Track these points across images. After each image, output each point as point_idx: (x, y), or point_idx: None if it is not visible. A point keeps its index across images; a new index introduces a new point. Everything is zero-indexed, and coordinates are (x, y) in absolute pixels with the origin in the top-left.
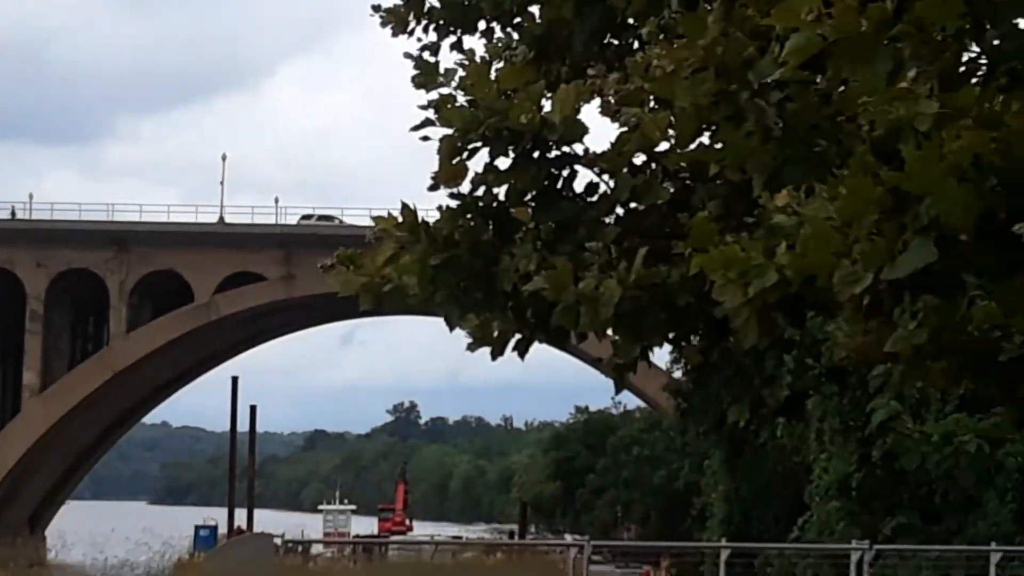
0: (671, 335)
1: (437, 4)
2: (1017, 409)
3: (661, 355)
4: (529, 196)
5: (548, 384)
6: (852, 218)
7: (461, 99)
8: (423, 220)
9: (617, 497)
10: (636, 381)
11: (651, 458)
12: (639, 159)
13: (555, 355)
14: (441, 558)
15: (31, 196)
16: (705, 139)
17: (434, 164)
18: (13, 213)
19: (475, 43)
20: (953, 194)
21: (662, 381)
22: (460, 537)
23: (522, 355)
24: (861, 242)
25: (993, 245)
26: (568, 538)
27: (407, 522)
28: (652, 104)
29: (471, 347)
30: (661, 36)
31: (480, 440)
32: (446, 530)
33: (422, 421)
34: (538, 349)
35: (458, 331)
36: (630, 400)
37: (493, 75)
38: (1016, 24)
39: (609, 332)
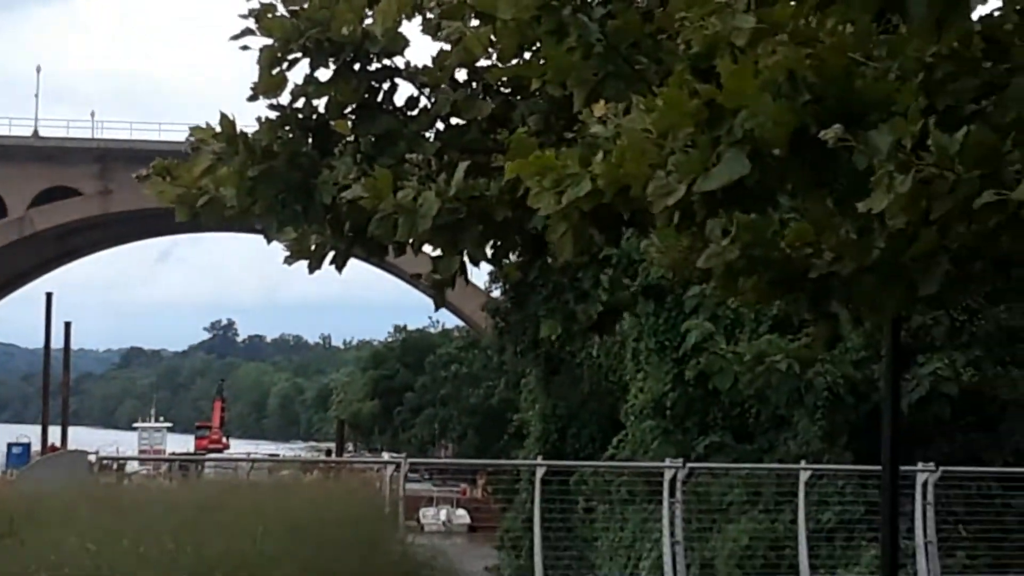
0: (490, 251)
1: None
2: (826, 327)
3: (480, 275)
4: (349, 109)
5: (368, 303)
6: (667, 130)
7: (282, 9)
8: (241, 131)
9: (435, 415)
10: (455, 300)
11: (469, 377)
12: (461, 74)
13: (375, 274)
14: (258, 476)
15: None
16: (528, 55)
17: (255, 75)
18: None
19: None
20: (767, 109)
21: (481, 301)
22: (277, 455)
23: (339, 268)
24: (676, 154)
25: (806, 161)
26: (385, 456)
27: (224, 440)
28: (474, 19)
29: (288, 260)
30: None
31: (298, 358)
32: (263, 448)
33: (240, 339)
34: (358, 268)
35: (276, 249)
36: (449, 319)
37: None
38: None
39: (428, 248)
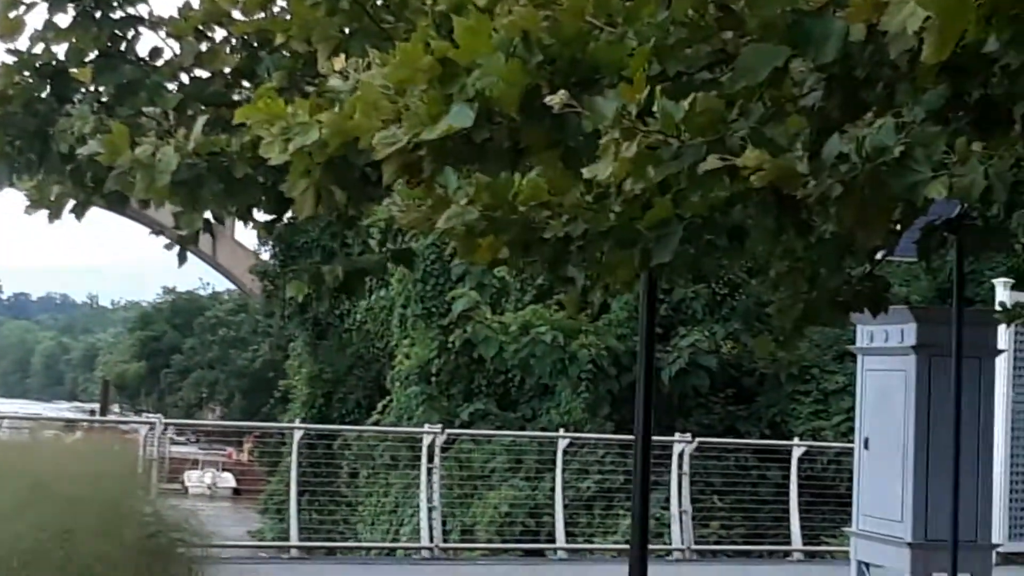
0: (233, 207)
1: None
2: (573, 292)
3: (249, 236)
4: (91, 57)
5: (136, 264)
6: (402, 85)
7: None
8: None
9: (202, 378)
10: (226, 262)
11: (237, 340)
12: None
13: (143, 234)
14: (18, 435)
15: None
16: (276, 8)
17: None
18: None
19: None
20: (499, 68)
21: (251, 262)
22: (39, 414)
23: (79, 218)
24: (410, 110)
25: (539, 121)
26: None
27: None
28: None
29: (28, 210)
30: None
31: (65, 317)
32: (27, 407)
33: (4, 297)
34: (123, 225)
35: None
36: (220, 282)
37: None
38: None
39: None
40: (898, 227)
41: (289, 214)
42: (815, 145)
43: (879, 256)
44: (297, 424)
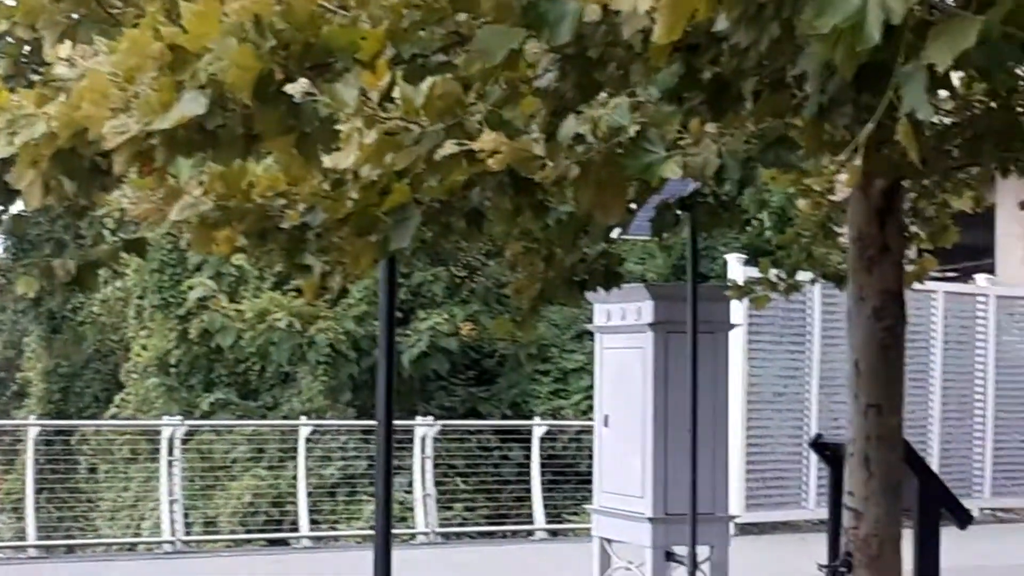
0: None
1: None
2: (310, 280)
3: None
4: None
5: None
6: (131, 73)
7: None
8: None
9: None
10: None
11: None
12: None
13: None
14: None
15: None
16: None
17: None
18: None
19: None
20: (231, 54)
21: None
22: None
23: None
24: (140, 98)
25: (274, 107)
26: None
27: None
28: None
29: None
30: None
31: None
32: None
33: None
34: None
35: None
36: None
37: None
38: None
39: None
40: (633, 206)
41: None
42: (551, 127)
43: (614, 235)
44: (32, 421)
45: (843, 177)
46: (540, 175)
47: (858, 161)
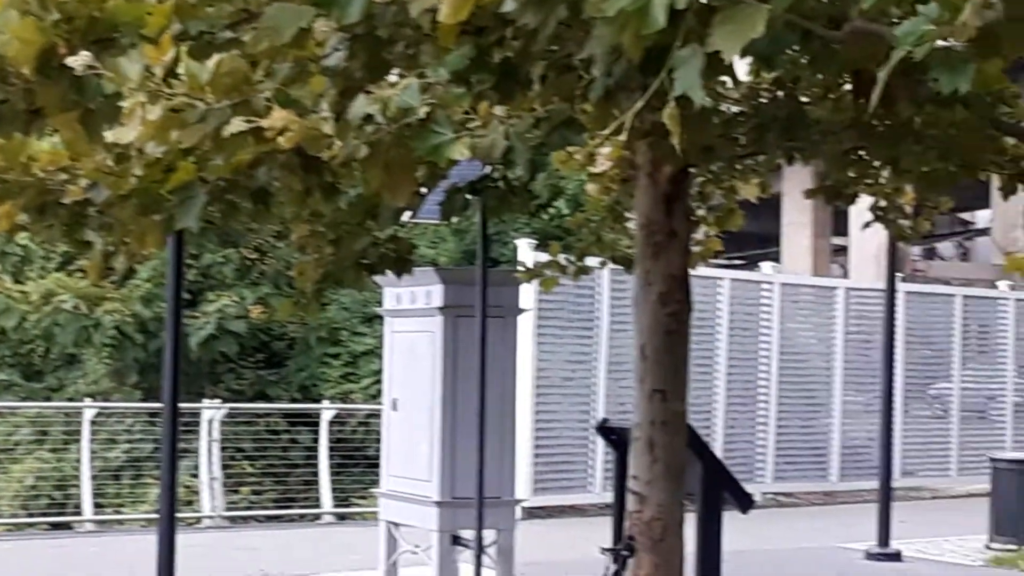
0: None
1: None
2: (93, 257)
3: None
4: None
5: None
6: None
7: None
8: None
9: None
10: None
11: None
12: None
13: None
14: None
15: None
16: None
17: None
18: None
19: None
20: (14, 27)
21: None
22: None
23: None
24: None
25: (57, 82)
26: None
27: None
28: None
29: None
30: None
31: None
32: None
33: None
34: None
35: None
36: None
37: None
38: None
39: None
40: (424, 190)
41: None
42: (340, 106)
43: (405, 218)
44: None
45: (606, 150)
46: (329, 155)
47: (623, 136)
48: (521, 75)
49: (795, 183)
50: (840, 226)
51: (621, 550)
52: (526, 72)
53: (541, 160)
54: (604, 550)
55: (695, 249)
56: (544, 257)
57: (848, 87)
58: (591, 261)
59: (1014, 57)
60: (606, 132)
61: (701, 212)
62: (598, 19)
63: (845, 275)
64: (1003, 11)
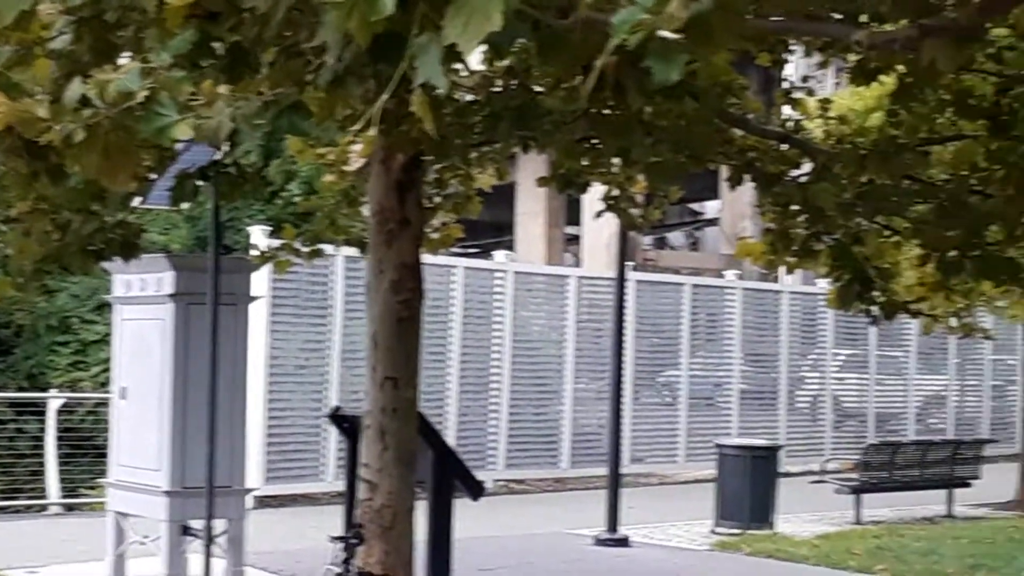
0: None
1: None
2: None
3: None
4: None
5: None
6: None
7: None
8: None
9: None
10: None
11: None
12: None
13: None
14: None
15: None
16: None
17: None
18: None
19: None
20: None
21: None
22: None
23: None
24: None
25: None
26: None
27: None
28: None
29: None
30: None
31: None
32: None
33: None
34: None
35: None
36: None
37: None
38: None
39: None
40: (154, 175)
41: None
42: (59, 89)
43: (134, 203)
44: None
45: (357, 148)
46: (45, 138)
47: (373, 131)
48: (251, 60)
49: (529, 172)
50: (574, 215)
51: (350, 538)
52: (255, 57)
53: (275, 146)
54: (333, 538)
55: (434, 235)
56: (278, 242)
57: (580, 77)
58: (326, 246)
59: (726, 47)
60: (356, 127)
61: (438, 199)
62: (328, 5)
63: (578, 264)
64: (712, 1)
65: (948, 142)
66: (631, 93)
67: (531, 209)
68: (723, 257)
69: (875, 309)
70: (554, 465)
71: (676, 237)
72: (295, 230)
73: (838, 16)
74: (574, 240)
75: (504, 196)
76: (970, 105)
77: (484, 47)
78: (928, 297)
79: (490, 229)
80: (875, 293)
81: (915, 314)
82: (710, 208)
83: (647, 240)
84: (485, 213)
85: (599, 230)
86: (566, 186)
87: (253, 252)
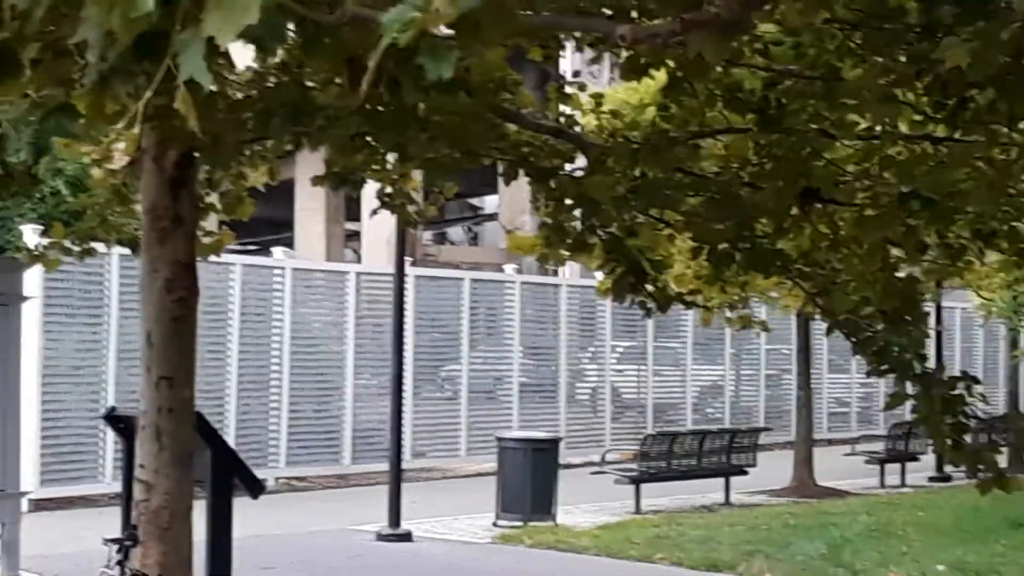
0: None
1: None
2: None
3: None
4: None
5: None
6: None
7: None
8: None
9: None
10: None
11: None
12: None
13: None
14: None
15: None
16: None
17: None
18: None
19: None
20: None
21: None
22: None
23: None
24: None
25: None
26: None
27: None
28: None
29: None
30: None
31: None
32: None
33: None
34: None
35: None
36: None
37: None
38: None
39: None
40: None
41: None
42: None
43: None
44: None
45: (122, 146)
46: None
47: (136, 129)
48: (12, 60)
49: (308, 169)
50: (354, 211)
51: (124, 540)
52: (18, 56)
53: (44, 144)
54: (107, 540)
55: (206, 241)
56: (47, 241)
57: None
58: (99, 245)
59: (497, 43)
60: (119, 126)
61: (211, 200)
62: (88, 1)
63: (359, 260)
64: None
65: (719, 135)
66: (406, 89)
67: (310, 206)
68: (502, 251)
69: (649, 301)
70: (336, 462)
71: (456, 232)
72: (64, 228)
73: (609, 12)
74: (354, 236)
75: (283, 193)
76: (739, 99)
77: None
78: (702, 289)
79: (269, 226)
80: (648, 285)
81: (689, 305)
82: (489, 203)
83: (427, 236)
84: (264, 210)
85: (379, 226)
86: (341, 184)
87: (23, 251)
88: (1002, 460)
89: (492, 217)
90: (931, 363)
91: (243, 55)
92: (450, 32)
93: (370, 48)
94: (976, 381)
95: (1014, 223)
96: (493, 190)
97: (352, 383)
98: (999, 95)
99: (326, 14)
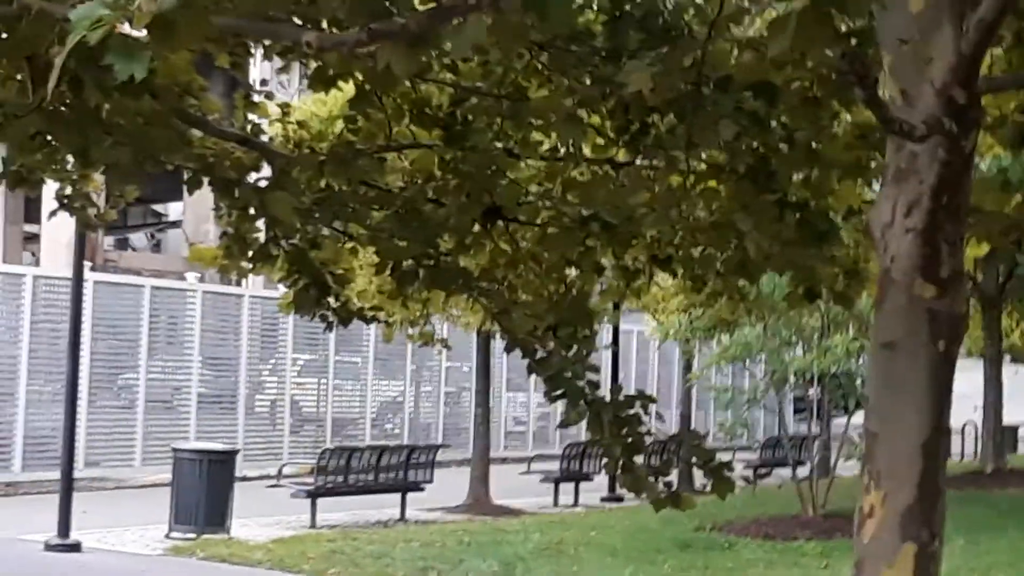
0: None
1: None
2: None
3: None
4: None
5: None
6: None
7: None
8: None
9: None
10: None
11: None
12: None
13: None
14: None
15: None
16: None
17: None
18: None
19: None
20: None
21: None
22: None
23: None
24: None
25: None
26: None
27: None
28: None
29: None
30: None
31: None
32: None
33: None
34: None
35: None
36: None
37: None
38: None
39: None
40: None
41: None
42: None
43: None
44: None
45: None
46: None
47: None
48: None
49: None
50: (34, 213)
51: None
52: None
53: None
54: None
55: None
56: None
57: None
58: None
59: (189, 46)
60: None
61: None
62: None
63: (39, 263)
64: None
65: (405, 150)
66: (89, 89)
67: None
68: (185, 260)
69: (330, 315)
70: (6, 469)
71: (139, 238)
72: None
73: (299, 21)
74: (34, 238)
75: None
76: (426, 114)
77: None
78: (384, 305)
79: None
80: (331, 299)
81: (371, 320)
82: (173, 210)
83: (109, 241)
84: None
85: (60, 229)
86: (18, 183)
87: None
88: (675, 479)
89: (176, 224)
90: (607, 385)
91: None
92: (141, 33)
93: (51, 44)
94: (652, 400)
95: (691, 249)
96: (178, 197)
97: (25, 388)
98: (679, 120)
99: (4, 5)
